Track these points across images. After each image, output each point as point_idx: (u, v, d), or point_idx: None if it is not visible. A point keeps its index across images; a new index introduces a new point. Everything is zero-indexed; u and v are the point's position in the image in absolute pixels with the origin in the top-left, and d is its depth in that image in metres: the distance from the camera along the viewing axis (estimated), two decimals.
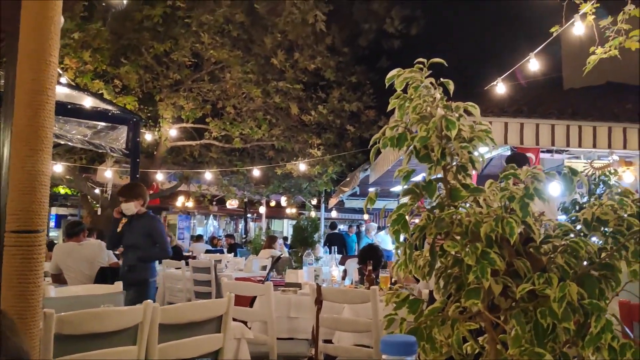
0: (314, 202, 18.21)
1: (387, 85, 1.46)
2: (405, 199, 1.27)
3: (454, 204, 1.24)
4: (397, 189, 13.60)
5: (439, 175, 1.30)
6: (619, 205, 1.21)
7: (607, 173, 3.78)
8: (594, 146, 7.73)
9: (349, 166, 13.04)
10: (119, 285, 4.07)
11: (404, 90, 1.39)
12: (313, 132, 11.67)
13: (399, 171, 1.29)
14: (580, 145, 7.71)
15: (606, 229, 1.20)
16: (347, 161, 12.61)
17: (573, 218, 1.26)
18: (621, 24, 4.49)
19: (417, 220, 1.31)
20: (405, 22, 10.57)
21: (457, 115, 1.26)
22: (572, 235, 1.24)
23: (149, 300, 2.70)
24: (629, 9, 4.50)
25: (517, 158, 4.25)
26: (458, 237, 1.17)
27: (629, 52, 4.60)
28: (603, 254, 1.21)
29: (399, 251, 1.26)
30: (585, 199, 3.84)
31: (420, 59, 1.38)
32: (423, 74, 1.36)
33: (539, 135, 7.58)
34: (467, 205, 1.29)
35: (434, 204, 1.30)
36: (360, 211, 20.79)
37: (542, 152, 8.17)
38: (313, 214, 17.43)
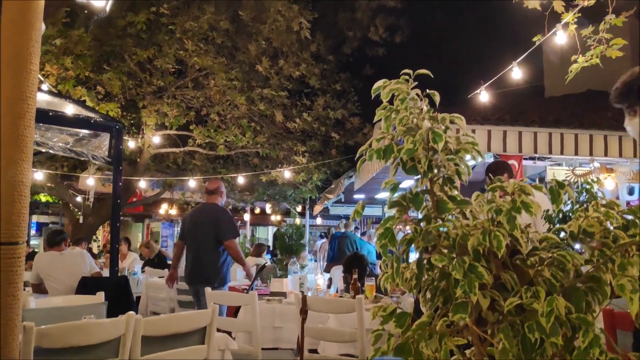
0: (299, 209, 18.18)
1: (373, 95, 1.45)
2: (392, 212, 1.26)
3: (441, 216, 1.23)
4: (382, 195, 13.64)
5: (426, 187, 1.29)
6: (605, 217, 1.22)
7: (590, 181, 3.80)
8: (576, 153, 7.83)
9: (333, 173, 13.05)
10: (100, 296, 4.01)
11: (390, 101, 1.39)
12: (298, 139, 11.66)
13: (385, 183, 1.28)
14: (562, 153, 7.80)
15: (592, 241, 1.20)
16: (332, 168, 12.62)
17: (559, 231, 1.26)
18: (602, 33, 4.55)
19: (402, 234, 1.30)
20: (389, 31, 10.63)
21: (443, 127, 1.25)
22: (559, 247, 1.24)
23: (131, 312, 2.66)
24: (610, 19, 4.56)
25: (499, 166, 4.26)
26: (445, 250, 1.16)
27: (609, 60, 4.66)
28: (589, 266, 1.21)
29: (386, 264, 1.25)
30: (568, 207, 3.87)
31: (406, 70, 1.37)
32: (409, 85, 1.35)
33: (522, 142, 7.65)
34: (453, 217, 1.28)
35: (421, 216, 1.29)
36: (345, 218, 20.80)
37: (525, 159, 8.25)
38: (298, 220, 17.41)
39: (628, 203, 10.04)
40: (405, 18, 10.85)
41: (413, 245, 1.21)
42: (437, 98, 1.42)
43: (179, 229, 21.60)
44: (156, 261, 9.66)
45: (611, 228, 1.19)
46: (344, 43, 11.29)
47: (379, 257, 10.02)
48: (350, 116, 11.40)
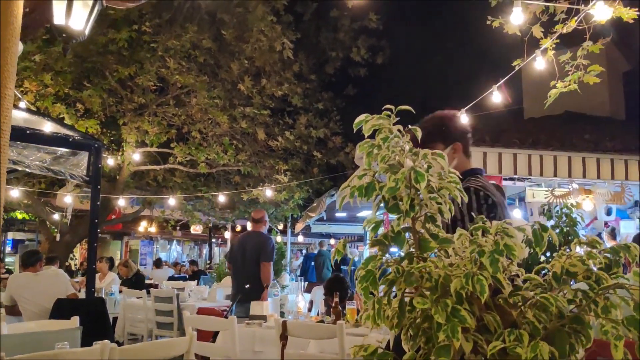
0: (281, 227, 18.09)
1: (355, 130, 1.43)
2: (373, 250, 1.24)
3: (423, 255, 1.22)
4: (364, 214, 13.64)
5: (407, 225, 1.28)
6: (587, 256, 1.21)
7: (569, 206, 3.84)
8: (555, 175, 7.93)
9: (315, 192, 13.04)
10: (75, 321, 3.91)
11: (372, 135, 1.38)
12: (280, 157, 11.64)
13: (367, 222, 1.26)
14: (541, 174, 7.90)
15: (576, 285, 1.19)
16: (314, 187, 12.60)
17: (543, 271, 1.25)
18: (580, 59, 4.63)
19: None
20: (371, 52, 10.72)
21: (425, 165, 1.24)
22: (541, 286, 1.23)
23: (106, 341, 2.59)
24: (587, 45, 4.65)
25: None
26: (427, 292, 1.14)
27: (586, 83, 4.74)
28: (572, 306, 1.20)
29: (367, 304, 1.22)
30: (552, 222, 3.88)
31: (388, 106, 1.36)
32: (391, 120, 1.34)
33: (502, 163, 7.73)
34: (435, 254, 1.26)
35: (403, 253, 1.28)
36: (327, 236, 20.77)
37: (505, 179, 8.32)
38: (279, 238, 17.32)
39: (606, 223, 10.18)
40: (386, 39, 10.98)
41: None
42: (419, 134, 1.41)
43: (158, 246, 21.41)
44: (134, 280, 9.50)
45: (594, 269, 1.18)
46: (327, 63, 11.36)
47: None
48: (333, 135, 11.43)
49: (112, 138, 10.66)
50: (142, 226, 17.99)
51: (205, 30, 9.45)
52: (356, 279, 1.19)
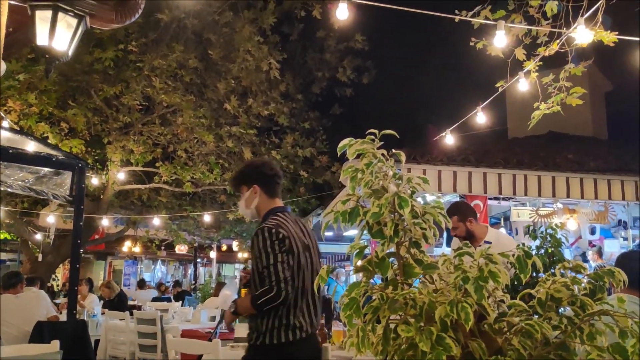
0: None
1: (339, 153, 1.43)
2: (358, 276, 1.23)
3: (408, 281, 1.21)
4: (350, 233, 13.62)
5: (392, 250, 1.26)
6: (572, 282, 1.21)
7: (554, 226, 3.86)
8: (539, 194, 7.99)
9: (302, 211, 12.99)
10: (55, 345, 3.83)
11: (358, 156, 1.37)
12: None
13: (351, 247, 1.25)
14: (526, 194, 7.95)
15: (560, 309, 1.18)
16: (301, 206, 12.56)
17: (529, 295, 1.24)
18: (562, 81, 4.70)
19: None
20: (357, 72, 10.80)
21: (409, 190, 1.24)
22: (526, 312, 1.22)
23: None
24: (569, 67, 4.73)
25: (460, 207, 4.17)
26: (412, 320, 1.13)
27: (569, 104, 4.80)
28: (557, 332, 1.20)
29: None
30: (536, 243, 3.89)
31: (372, 130, 1.36)
32: (375, 144, 1.34)
33: (487, 183, 7.77)
34: (418, 282, 1.25)
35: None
36: None
37: (490, 199, 8.37)
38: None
39: (590, 243, 10.26)
40: (372, 60, 11.06)
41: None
42: (402, 158, 1.40)
43: (142, 266, 21.14)
44: (116, 301, 9.36)
45: (579, 295, 1.18)
46: (313, 83, 11.41)
47: None
48: (319, 154, 11.43)
49: (96, 157, 10.57)
50: (126, 246, 17.78)
51: (192, 49, 9.46)
52: (340, 307, 1.18)
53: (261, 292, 2.49)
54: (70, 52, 2.96)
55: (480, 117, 6.02)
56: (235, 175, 2.99)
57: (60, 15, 2.92)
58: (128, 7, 2.95)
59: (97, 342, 7.39)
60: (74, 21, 2.94)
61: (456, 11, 4.59)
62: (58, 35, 2.90)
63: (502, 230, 9.43)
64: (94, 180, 10.29)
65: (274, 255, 2.49)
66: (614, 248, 9.77)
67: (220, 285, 9.45)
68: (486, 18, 4.54)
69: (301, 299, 2.61)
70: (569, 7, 4.21)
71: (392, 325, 1.18)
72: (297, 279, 2.58)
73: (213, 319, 7.46)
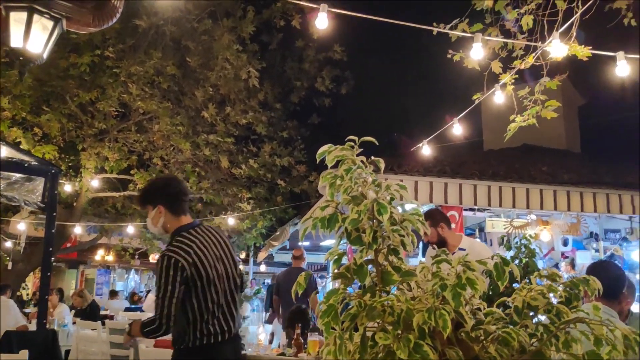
0: (243, 255, 17.83)
1: (318, 159, 1.42)
2: (336, 284, 1.22)
3: (386, 288, 1.20)
4: (327, 243, 13.60)
5: (370, 257, 1.26)
6: (548, 290, 1.21)
7: (528, 237, 3.90)
8: (514, 206, 8.09)
9: (279, 220, 12.94)
10: (24, 354, 3.73)
11: (336, 166, 1.36)
12: (243, 185, 11.54)
13: (329, 254, 1.24)
14: (500, 205, 8.04)
15: (537, 317, 1.19)
16: (278, 215, 12.51)
17: (505, 303, 1.25)
18: (538, 94, 4.78)
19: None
20: (335, 82, 10.85)
21: (388, 197, 1.23)
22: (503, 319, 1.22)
23: None
24: (545, 81, 4.81)
25: (432, 213, 4.19)
26: (390, 327, 1.12)
27: (543, 117, 4.87)
28: (534, 340, 1.20)
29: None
30: (511, 253, 3.93)
31: (352, 137, 1.36)
32: (354, 151, 1.34)
33: (462, 194, 7.85)
34: (395, 289, 1.25)
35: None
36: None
37: (465, 210, 8.44)
38: (241, 267, 17.01)
39: (563, 254, 10.41)
40: (350, 71, 11.12)
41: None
42: (382, 165, 1.40)
43: (115, 275, 20.77)
44: (88, 311, 9.19)
45: (555, 302, 1.19)
46: (292, 92, 11.42)
47: None
48: (297, 164, 11.42)
49: (70, 164, 10.39)
50: (99, 254, 17.48)
51: (170, 56, 9.40)
52: (317, 315, 1.17)
53: (147, 322, 2.72)
54: (45, 55, 2.91)
55: (457, 129, 6.09)
56: (140, 194, 3.09)
57: (36, 17, 2.87)
58: (105, 11, 2.92)
59: (67, 352, 7.22)
60: (50, 23, 2.89)
61: (434, 24, 4.64)
62: (33, 37, 2.85)
63: (477, 240, 9.51)
64: (67, 187, 10.10)
65: (165, 287, 2.65)
66: (585, 259, 9.92)
67: None
68: (463, 31, 4.60)
69: (218, 310, 2.78)
70: (544, 21, 4.29)
71: (369, 333, 1.17)
72: (210, 294, 2.74)
73: None
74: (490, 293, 3.06)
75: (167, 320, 2.62)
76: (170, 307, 2.63)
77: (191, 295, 2.71)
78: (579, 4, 4.07)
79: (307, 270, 4.81)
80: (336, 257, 1.22)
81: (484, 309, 1.24)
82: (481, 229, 10.20)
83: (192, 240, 2.77)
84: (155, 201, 2.90)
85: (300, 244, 15.32)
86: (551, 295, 1.24)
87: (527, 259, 3.77)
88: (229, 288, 2.84)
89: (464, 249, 3.75)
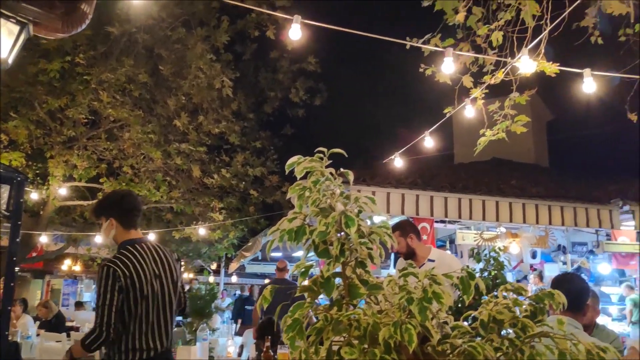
0: (214, 266, 17.65)
1: (287, 171, 1.41)
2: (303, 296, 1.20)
3: (353, 302, 1.19)
4: (299, 254, 13.58)
5: (338, 270, 1.25)
6: (514, 303, 1.22)
7: (497, 250, 3.95)
8: (484, 218, 8.19)
9: (251, 231, 12.86)
10: None
11: (305, 177, 1.35)
12: (215, 195, 11.44)
13: (296, 266, 1.22)
14: (471, 218, 8.14)
15: (503, 331, 1.19)
16: (250, 226, 12.43)
17: (471, 317, 1.25)
18: (507, 109, 4.85)
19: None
20: (309, 93, 10.87)
21: (356, 209, 1.23)
22: (469, 333, 1.22)
23: None
24: (514, 96, 4.89)
25: (401, 224, 4.17)
26: (356, 342, 1.11)
27: (513, 131, 4.95)
28: (499, 354, 1.20)
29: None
30: (479, 266, 3.96)
31: (321, 148, 1.35)
32: (323, 163, 1.33)
33: (434, 206, 7.92)
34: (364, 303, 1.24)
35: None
36: (261, 276, 20.44)
37: (436, 222, 8.52)
38: (212, 279, 16.86)
39: (532, 266, 10.57)
40: (324, 82, 11.17)
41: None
42: (350, 177, 1.40)
43: (82, 286, 20.31)
44: (53, 322, 8.96)
45: (520, 316, 1.19)
46: (265, 102, 11.41)
47: None
48: (270, 174, 11.39)
49: (37, 171, 10.16)
50: (66, 264, 17.10)
51: (142, 64, 9.30)
52: (282, 329, 1.15)
53: (88, 333, 2.78)
54: (10, 61, 2.84)
55: (428, 142, 6.15)
56: (95, 205, 3.25)
57: (2, 21, 2.80)
58: (75, 17, 2.86)
59: None
60: (16, 28, 2.82)
61: (407, 38, 4.69)
62: None
63: (448, 252, 9.59)
64: (34, 195, 9.87)
65: (105, 296, 2.72)
66: (553, 272, 10.10)
67: None
68: (436, 45, 4.66)
69: (147, 327, 2.84)
70: (514, 38, 4.38)
71: (335, 347, 1.16)
72: (140, 308, 2.81)
73: None
74: (460, 305, 3.08)
75: (107, 327, 2.69)
76: (110, 315, 2.70)
77: (123, 308, 2.77)
78: (547, 21, 4.16)
79: (294, 283, 4.79)
80: (303, 269, 1.21)
81: (451, 322, 1.24)
82: (452, 241, 10.30)
83: (133, 254, 2.87)
84: (108, 213, 3.01)
85: (273, 254, 15.26)
86: (517, 309, 1.24)
87: (495, 271, 3.81)
88: (162, 306, 2.91)
89: (433, 260, 3.76)
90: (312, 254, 1.33)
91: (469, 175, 8.85)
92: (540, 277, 10.23)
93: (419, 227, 8.07)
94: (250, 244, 13.24)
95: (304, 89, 10.72)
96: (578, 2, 3.96)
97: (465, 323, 1.33)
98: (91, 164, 9.86)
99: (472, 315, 1.27)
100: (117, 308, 2.72)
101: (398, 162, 7.01)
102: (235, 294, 18.52)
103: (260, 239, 12.22)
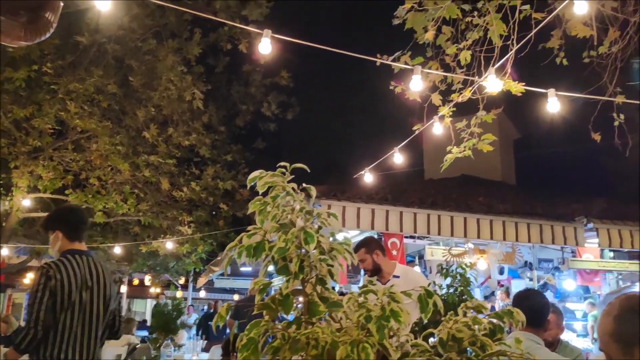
0: (182, 281, 17.38)
1: (248, 186, 1.39)
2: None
3: (312, 320, 1.17)
4: (271, 268, 13.47)
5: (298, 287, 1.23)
6: (473, 322, 1.22)
7: (464, 266, 3.96)
8: (452, 234, 8.27)
9: (220, 245, 12.71)
10: None
11: (267, 193, 1.34)
12: (184, 208, 11.29)
13: (254, 283, 1.20)
14: (439, 233, 8.20)
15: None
16: (219, 240, 12.29)
17: (431, 336, 1.24)
18: (474, 127, 4.92)
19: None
20: (281, 107, 10.88)
21: (316, 225, 1.21)
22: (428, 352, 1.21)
23: None
24: (481, 114, 4.96)
25: (367, 240, 4.15)
26: None
27: (480, 149, 5.02)
28: None
29: None
30: (444, 290, 3.98)
31: (283, 163, 1.34)
32: (285, 178, 1.31)
33: (403, 222, 7.96)
34: (324, 319, 1.22)
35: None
36: (230, 291, 20.22)
37: (406, 237, 8.57)
38: (179, 294, 16.61)
39: (499, 282, 10.69)
40: (296, 97, 11.20)
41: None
42: (313, 192, 1.39)
43: None
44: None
45: (479, 335, 1.19)
46: (237, 116, 11.37)
47: None
48: (240, 187, 11.30)
49: (0, 182, 9.88)
50: (29, 278, 16.58)
51: (112, 75, 9.17)
52: (237, 348, 1.12)
53: (17, 333, 2.84)
54: None
55: (398, 158, 6.19)
56: (45, 219, 3.35)
57: None
58: (39, 25, 2.80)
59: None
60: None
61: (378, 55, 4.73)
62: None
63: (417, 268, 9.64)
64: None
65: (36, 294, 2.80)
66: (520, 288, 10.19)
67: (128, 321, 8.96)
68: (405, 63, 4.71)
69: (68, 335, 2.86)
70: (482, 57, 4.45)
71: None
72: (65, 315, 2.84)
73: (119, 357, 7.05)
74: (426, 323, 3.08)
75: (35, 324, 2.73)
76: (39, 312, 2.75)
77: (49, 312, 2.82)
78: (514, 41, 4.24)
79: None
80: (261, 286, 1.19)
81: (411, 340, 1.23)
82: (421, 257, 10.36)
83: (69, 260, 2.95)
84: (55, 227, 3.12)
85: (242, 269, 15.11)
86: (477, 327, 1.24)
87: (462, 288, 3.82)
88: (89, 320, 2.94)
89: (398, 276, 3.77)
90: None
91: (438, 192, 8.94)
92: (507, 293, 10.35)
93: (389, 242, 8.10)
94: (219, 258, 13.10)
95: (276, 103, 10.72)
96: (544, 23, 4.05)
97: (432, 340, 1.32)
98: (57, 175, 9.62)
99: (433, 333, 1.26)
100: (47, 307, 2.77)
101: (368, 177, 7.03)
102: (202, 310, 18.27)
103: (230, 253, 12.09)
